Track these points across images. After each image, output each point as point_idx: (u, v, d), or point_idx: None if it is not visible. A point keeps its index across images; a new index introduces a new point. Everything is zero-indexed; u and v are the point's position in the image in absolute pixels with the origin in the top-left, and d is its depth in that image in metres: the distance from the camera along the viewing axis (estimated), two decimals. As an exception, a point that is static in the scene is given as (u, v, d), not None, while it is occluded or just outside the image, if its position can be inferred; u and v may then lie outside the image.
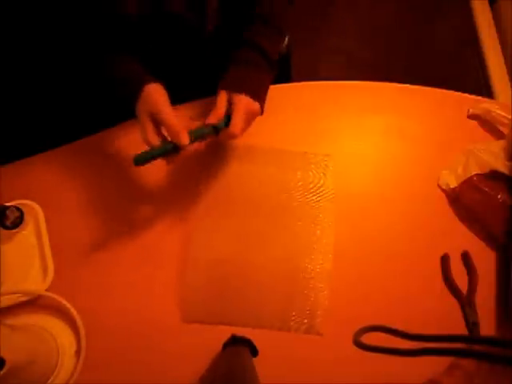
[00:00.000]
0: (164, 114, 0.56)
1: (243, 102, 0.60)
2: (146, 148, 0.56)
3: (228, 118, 0.60)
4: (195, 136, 0.58)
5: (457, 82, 0.95)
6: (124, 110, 0.62)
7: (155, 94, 0.58)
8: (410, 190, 0.70)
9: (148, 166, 0.71)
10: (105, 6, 0.58)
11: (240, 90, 0.61)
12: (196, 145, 0.59)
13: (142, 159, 0.55)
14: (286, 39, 0.83)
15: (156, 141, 0.56)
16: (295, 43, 0.93)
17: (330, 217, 0.67)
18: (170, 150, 0.57)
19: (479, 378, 0.48)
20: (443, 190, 0.69)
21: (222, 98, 0.62)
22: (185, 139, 0.55)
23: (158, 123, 0.57)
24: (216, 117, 0.60)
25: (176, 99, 0.60)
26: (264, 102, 0.65)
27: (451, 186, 0.68)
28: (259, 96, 0.63)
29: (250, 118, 0.62)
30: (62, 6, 0.58)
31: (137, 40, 0.64)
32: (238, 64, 0.64)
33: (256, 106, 0.62)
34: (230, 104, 0.61)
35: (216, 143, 0.72)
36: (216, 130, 0.60)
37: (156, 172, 0.71)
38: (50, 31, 0.64)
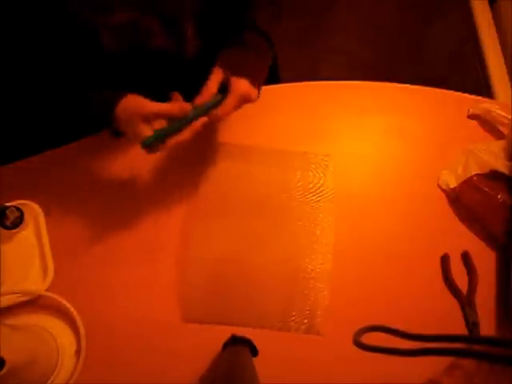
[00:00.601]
0: (155, 105, 0.55)
1: (242, 86, 0.58)
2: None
3: (216, 97, 0.58)
4: (195, 115, 0.56)
5: (457, 82, 0.95)
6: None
7: (136, 97, 0.57)
8: (410, 190, 0.70)
9: (148, 165, 0.71)
10: (82, 41, 0.57)
11: (241, 73, 0.58)
12: (200, 123, 0.56)
13: (148, 142, 0.55)
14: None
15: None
16: (295, 43, 0.93)
17: (329, 217, 0.67)
18: (176, 127, 0.56)
19: (479, 378, 0.48)
20: (443, 190, 0.69)
21: (217, 76, 0.58)
22: (187, 106, 0.55)
23: (148, 120, 0.55)
24: (208, 96, 0.57)
25: None
26: (260, 90, 0.62)
27: (451, 186, 0.68)
28: (259, 83, 0.61)
29: (241, 104, 0.59)
30: (39, 39, 0.58)
31: (117, 71, 0.63)
32: (241, 46, 0.62)
33: (254, 92, 0.60)
34: (223, 85, 0.58)
35: (216, 143, 0.72)
36: (208, 110, 0.57)
37: (156, 172, 0.71)
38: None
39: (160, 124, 0.55)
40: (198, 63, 0.68)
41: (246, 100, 0.59)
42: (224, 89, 0.58)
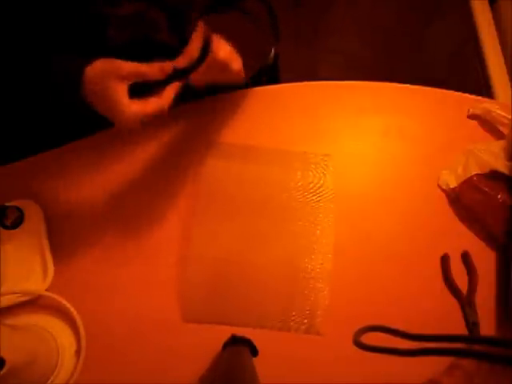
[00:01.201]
0: (132, 65, 0.48)
1: (222, 51, 0.52)
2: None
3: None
4: (172, 77, 0.50)
5: (457, 82, 0.95)
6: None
7: (109, 59, 0.49)
8: (410, 190, 0.70)
9: (148, 164, 0.71)
10: (87, 32, 0.55)
11: (226, 36, 0.52)
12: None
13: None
14: (273, 50, 0.75)
15: (141, 107, 0.48)
16: (295, 44, 0.93)
17: (329, 217, 0.67)
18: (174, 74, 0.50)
19: (479, 378, 0.48)
20: (443, 190, 0.69)
21: (199, 36, 0.50)
22: (168, 67, 0.49)
23: (125, 83, 0.48)
24: (188, 58, 0.51)
25: None
26: (253, 70, 0.58)
27: (451, 186, 0.68)
28: (248, 55, 0.56)
29: (219, 72, 0.53)
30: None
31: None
32: (237, 10, 0.58)
33: (237, 61, 0.54)
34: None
35: (216, 143, 0.72)
36: (184, 74, 0.51)
37: (156, 171, 0.71)
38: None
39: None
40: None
41: (224, 68, 0.52)
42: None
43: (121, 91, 0.48)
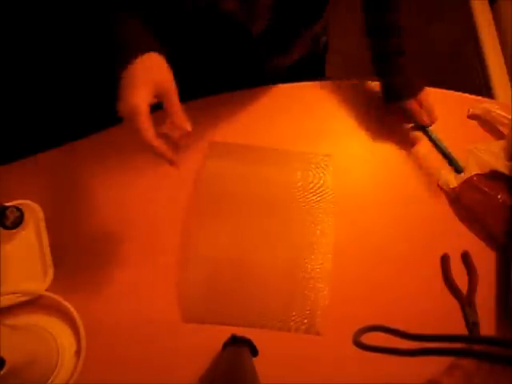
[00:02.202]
0: (177, 101, 0.48)
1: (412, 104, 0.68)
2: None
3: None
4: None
5: (457, 82, 0.95)
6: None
7: (168, 70, 0.49)
8: (410, 190, 0.70)
9: (148, 165, 0.71)
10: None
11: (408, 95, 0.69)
12: None
13: None
14: (325, 38, 0.85)
15: (155, 141, 0.48)
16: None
17: (329, 217, 0.67)
18: None
19: (479, 378, 0.48)
20: (443, 190, 0.69)
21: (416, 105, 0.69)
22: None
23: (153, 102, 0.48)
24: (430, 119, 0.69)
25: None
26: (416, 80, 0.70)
27: (451, 186, 0.68)
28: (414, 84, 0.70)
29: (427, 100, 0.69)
30: None
31: (184, 33, 0.60)
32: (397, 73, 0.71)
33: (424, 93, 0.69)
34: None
35: (216, 143, 0.72)
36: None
37: (156, 171, 0.71)
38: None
39: (167, 127, 0.49)
40: (263, 41, 0.68)
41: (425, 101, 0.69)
42: None
43: (145, 104, 0.47)
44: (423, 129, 0.71)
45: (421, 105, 0.69)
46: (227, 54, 0.69)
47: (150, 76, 0.47)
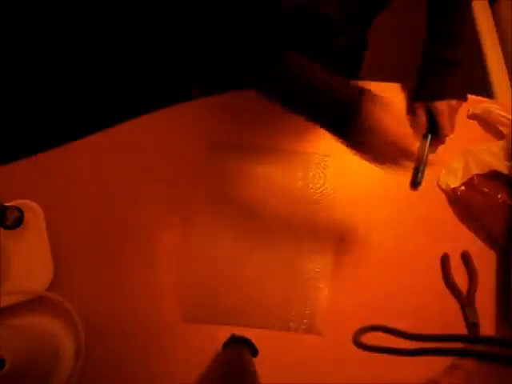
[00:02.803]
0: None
1: (443, 106, 0.67)
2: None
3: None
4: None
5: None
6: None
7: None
8: (410, 190, 0.70)
9: (148, 165, 0.71)
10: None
11: (435, 97, 0.67)
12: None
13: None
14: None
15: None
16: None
17: (329, 217, 0.67)
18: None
19: (479, 378, 0.48)
20: (443, 191, 0.69)
21: (421, 108, 0.69)
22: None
23: None
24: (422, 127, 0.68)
25: None
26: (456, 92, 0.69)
27: (451, 186, 0.68)
28: (452, 93, 0.68)
29: (453, 115, 0.68)
30: None
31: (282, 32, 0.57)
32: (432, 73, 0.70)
33: (453, 102, 0.67)
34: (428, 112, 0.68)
35: (215, 143, 0.72)
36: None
37: (157, 172, 0.71)
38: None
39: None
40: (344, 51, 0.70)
41: (453, 110, 0.68)
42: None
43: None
44: (425, 136, 0.70)
45: (448, 113, 0.68)
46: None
47: None
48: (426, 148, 0.70)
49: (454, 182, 0.68)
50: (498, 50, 1.16)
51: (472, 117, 0.74)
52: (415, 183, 0.69)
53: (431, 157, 0.70)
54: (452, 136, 0.73)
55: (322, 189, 0.69)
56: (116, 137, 0.73)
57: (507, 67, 1.12)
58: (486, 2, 1.26)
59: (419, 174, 0.68)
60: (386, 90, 0.78)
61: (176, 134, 0.73)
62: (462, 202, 0.67)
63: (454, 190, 0.68)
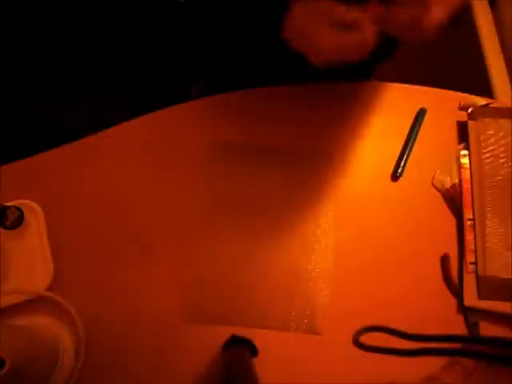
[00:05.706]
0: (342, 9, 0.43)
1: None
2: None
3: None
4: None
5: (457, 81, 0.95)
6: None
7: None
8: (410, 190, 0.70)
9: (148, 165, 0.71)
10: None
11: None
12: None
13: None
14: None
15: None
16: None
17: (329, 217, 0.67)
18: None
19: (478, 374, 0.48)
20: (438, 190, 0.69)
21: None
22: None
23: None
24: None
25: None
26: None
27: (446, 187, 0.68)
28: None
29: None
30: None
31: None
32: None
33: None
34: None
35: (215, 142, 0.72)
36: None
37: (157, 172, 0.71)
38: None
39: None
40: None
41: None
42: None
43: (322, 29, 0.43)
44: (417, 118, 0.71)
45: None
46: None
47: None
48: (414, 136, 0.71)
49: (449, 182, 0.68)
50: (498, 50, 1.16)
51: (463, 108, 0.73)
52: (396, 175, 0.69)
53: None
54: (453, 135, 0.73)
55: (322, 189, 0.69)
56: (116, 137, 0.73)
57: (507, 67, 1.12)
58: (486, 2, 1.26)
59: (401, 165, 0.69)
60: (384, 89, 0.78)
61: (176, 133, 0.73)
62: (457, 203, 0.67)
63: (448, 190, 0.68)
